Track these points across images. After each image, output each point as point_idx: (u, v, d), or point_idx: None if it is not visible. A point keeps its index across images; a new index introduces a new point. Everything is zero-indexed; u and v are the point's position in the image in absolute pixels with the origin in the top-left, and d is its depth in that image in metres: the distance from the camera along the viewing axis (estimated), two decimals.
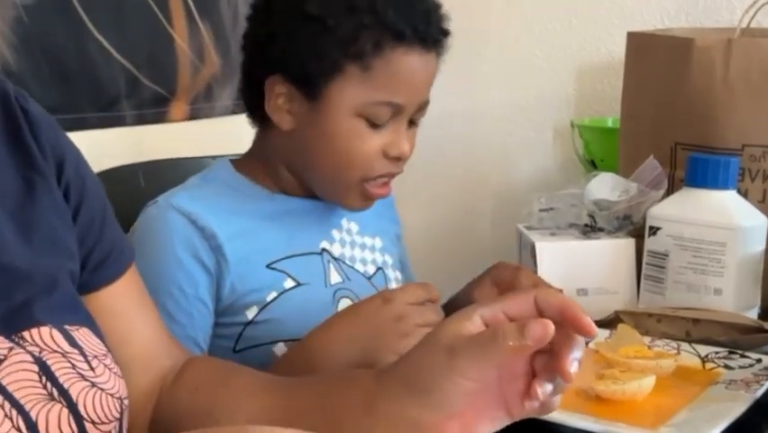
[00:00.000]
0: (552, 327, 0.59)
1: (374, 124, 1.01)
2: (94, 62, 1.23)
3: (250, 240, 1.02)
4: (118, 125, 1.29)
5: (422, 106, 1.04)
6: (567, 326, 0.61)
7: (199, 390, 0.79)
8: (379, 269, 1.14)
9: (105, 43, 1.24)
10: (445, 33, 1.03)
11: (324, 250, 1.08)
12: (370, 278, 1.12)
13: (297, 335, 1.00)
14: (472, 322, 0.62)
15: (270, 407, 0.73)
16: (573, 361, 0.60)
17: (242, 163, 1.09)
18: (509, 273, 1.07)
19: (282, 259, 1.04)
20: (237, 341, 1.02)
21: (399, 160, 1.03)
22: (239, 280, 1.01)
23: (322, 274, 1.07)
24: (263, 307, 1.02)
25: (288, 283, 1.03)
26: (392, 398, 0.64)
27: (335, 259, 1.09)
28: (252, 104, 1.06)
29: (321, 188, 1.07)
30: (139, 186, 1.21)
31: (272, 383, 0.76)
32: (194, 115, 1.42)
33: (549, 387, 0.62)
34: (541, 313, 0.62)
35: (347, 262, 1.10)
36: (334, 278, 1.07)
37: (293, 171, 1.07)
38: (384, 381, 0.65)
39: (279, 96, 1.02)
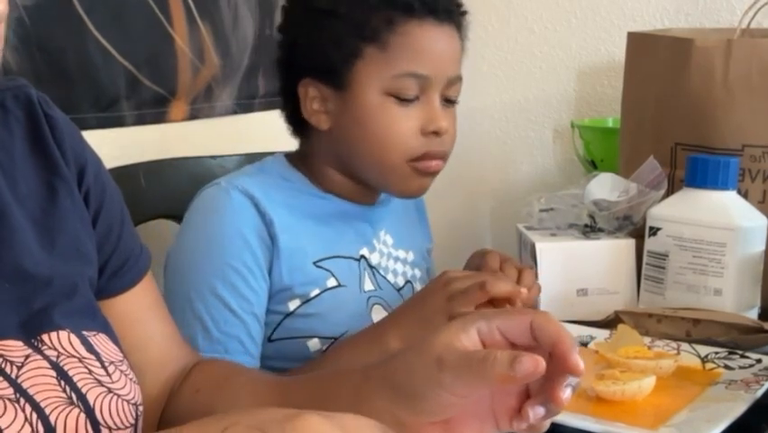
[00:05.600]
0: (543, 365, 0.58)
1: (403, 100, 1.02)
2: (94, 62, 1.23)
3: (299, 236, 1.04)
4: (118, 126, 1.28)
5: (452, 82, 1.05)
6: (556, 359, 0.59)
7: (200, 391, 0.79)
8: (408, 282, 1.16)
9: (105, 43, 1.24)
10: (457, 5, 1.05)
11: (362, 257, 1.10)
12: (399, 289, 1.14)
13: (333, 332, 1.04)
14: (468, 336, 0.61)
15: (266, 405, 0.73)
16: (567, 388, 0.59)
17: (295, 160, 1.11)
18: (479, 260, 1.10)
19: (328, 258, 1.06)
20: (274, 330, 1.04)
21: (438, 135, 1.04)
22: (288, 271, 1.03)
23: (357, 279, 1.09)
24: (306, 301, 1.04)
25: (331, 282, 1.06)
26: (377, 395, 0.64)
27: (371, 267, 1.10)
28: (291, 114, 1.09)
29: (373, 179, 1.08)
30: (139, 186, 1.21)
31: (269, 383, 0.76)
32: (194, 116, 1.42)
33: (541, 411, 0.61)
34: (535, 338, 0.61)
35: (381, 271, 1.12)
36: (368, 285, 1.10)
37: (342, 171, 1.08)
38: (372, 378, 0.65)
39: (314, 100, 1.04)
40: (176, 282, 1.03)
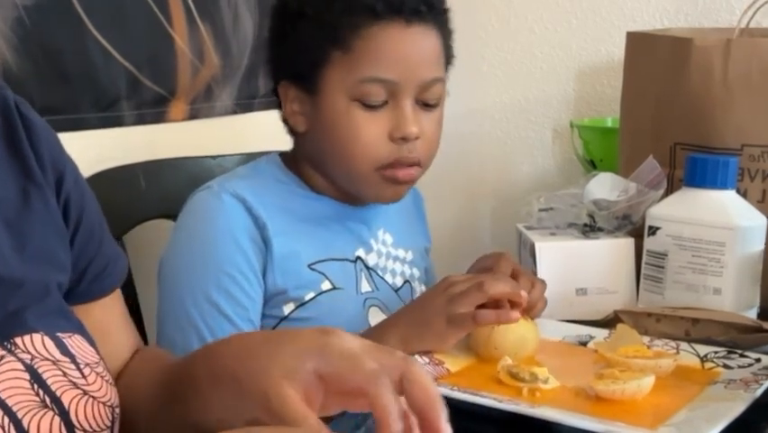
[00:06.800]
0: None
1: (369, 106, 1.00)
2: (94, 63, 1.23)
3: (293, 239, 1.03)
4: (118, 126, 1.29)
5: (427, 85, 1.02)
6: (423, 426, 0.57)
7: (117, 384, 0.79)
8: (406, 281, 1.15)
9: (105, 44, 1.24)
10: (428, 4, 1.01)
11: (358, 258, 1.09)
12: (397, 290, 1.13)
13: None
14: (293, 382, 0.57)
15: (155, 396, 0.72)
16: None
17: (289, 161, 1.10)
18: (491, 261, 1.07)
19: (322, 261, 1.05)
20: None
21: (406, 141, 1.01)
22: (281, 275, 1.02)
23: (354, 281, 1.08)
24: (300, 304, 1.03)
25: (326, 285, 1.05)
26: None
27: (368, 268, 1.10)
28: (283, 116, 1.08)
29: (346, 185, 1.07)
30: (139, 186, 1.21)
31: (160, 372, 0.75)
32: (194, 116, 1.42)
33: None
34: (405, 393, 0.57)
35: (378, 272, 1.11)
36: (365, 286, 1.09)
37: (321, 173, 1.07)
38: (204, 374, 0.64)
39: (294, 102, 1.04)
40: (169, 288, 1.02)
